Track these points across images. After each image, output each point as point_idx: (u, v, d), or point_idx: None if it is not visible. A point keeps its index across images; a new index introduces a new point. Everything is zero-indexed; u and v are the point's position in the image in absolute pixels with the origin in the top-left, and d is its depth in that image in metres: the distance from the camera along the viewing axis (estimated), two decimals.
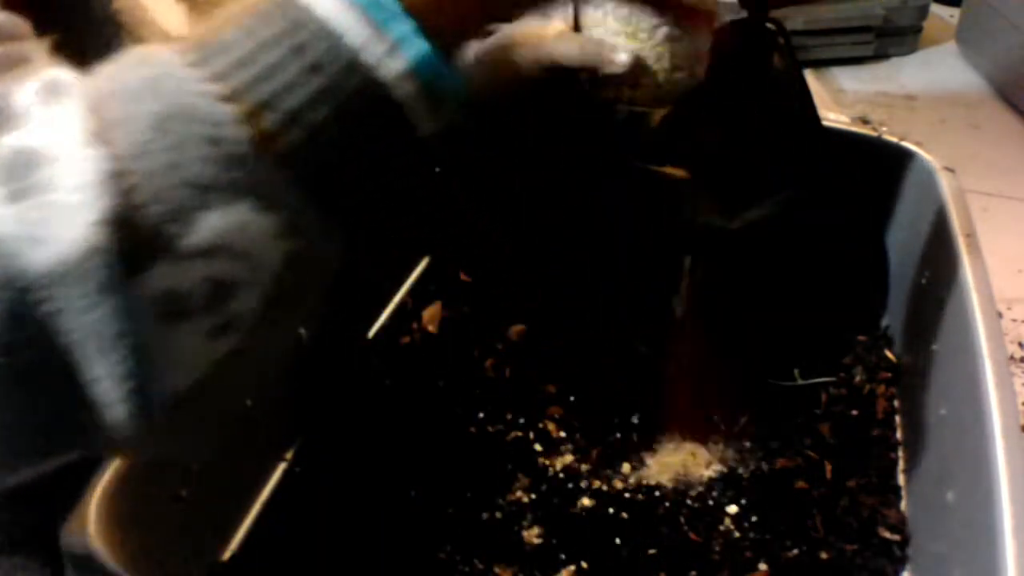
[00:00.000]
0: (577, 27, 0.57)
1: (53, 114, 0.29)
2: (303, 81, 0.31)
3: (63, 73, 0.31)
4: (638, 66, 0.56)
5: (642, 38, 0.56)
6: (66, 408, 0.29)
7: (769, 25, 0.67)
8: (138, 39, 0.43)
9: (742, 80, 0.68)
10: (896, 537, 0.55)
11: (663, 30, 0.56)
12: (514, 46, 0.57)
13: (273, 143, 0.30)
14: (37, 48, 0.32)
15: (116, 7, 0.42)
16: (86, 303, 0.27)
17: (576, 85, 0.58)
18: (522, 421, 0.63)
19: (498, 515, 0.57)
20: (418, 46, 0.32)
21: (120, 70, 0.31)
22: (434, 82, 0.33)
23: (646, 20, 0.55)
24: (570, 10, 0.58)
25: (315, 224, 0.31)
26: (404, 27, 0.32)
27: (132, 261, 0.28)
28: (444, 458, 0.60)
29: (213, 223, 0.29)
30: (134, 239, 0.28)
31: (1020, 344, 0.75)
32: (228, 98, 0.30)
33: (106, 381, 0.28)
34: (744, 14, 0.68)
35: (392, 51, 0.32)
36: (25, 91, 0.30)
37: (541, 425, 0.62)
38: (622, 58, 0.55)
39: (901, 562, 0.54)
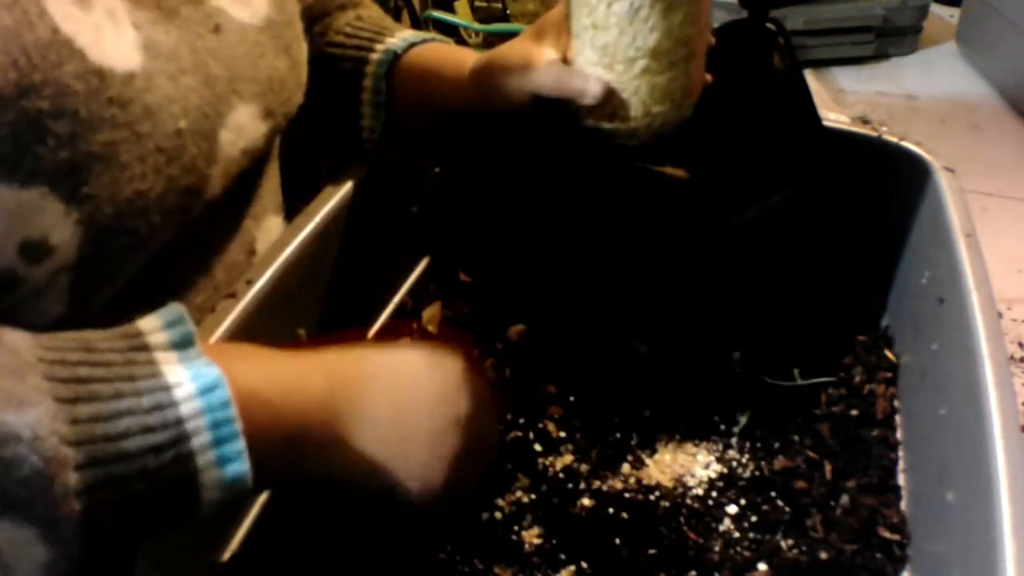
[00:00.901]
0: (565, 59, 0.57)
1: None
2: (141, 454, 0.35)
3: None
4: (611, 98, 0.56)
5: (618, 70, 0.55)
6: None
7: (769, 25, 0.67)
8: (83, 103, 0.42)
9: (742, 80, 0.68)
10: (896, 537, 0.55)
11: (640, 63, 0.55)
12: (503, 70, 0.58)
13: (89, 495, 0.34)
14: None
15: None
16: None
17: (562, 113, 0.58)
18: (522, 421, 0.63)
19: (498, 515, 0.57)
20: (243, 465, 0.38)
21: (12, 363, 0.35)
22: (238, 490, 0.39)
23: (623, 51, 0.54)
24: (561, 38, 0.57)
25: (75, 565, 0.35)
26: (239, 447, 0.38)
27: None
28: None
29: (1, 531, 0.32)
30: None
31: (1020, 344, 0.75)
32: (75, 443, 0.34)
33: None
34: (744, 14, 0.68)
35: (220, 464, 0.38)
36: None
37: (541, 425, 0.62)
38: (593, 89, 0.55)
39: (901, 562, 0.54)
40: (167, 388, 0.37)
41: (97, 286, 0.48)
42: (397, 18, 1.48)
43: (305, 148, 0.72)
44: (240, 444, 0.38)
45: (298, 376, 0.43)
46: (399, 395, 0.46)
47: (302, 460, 0.43)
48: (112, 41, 0.45)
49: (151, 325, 0.39)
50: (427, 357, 0.48)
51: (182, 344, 0.39)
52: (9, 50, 0.39)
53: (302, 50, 0.62)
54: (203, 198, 0.52)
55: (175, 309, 0.40)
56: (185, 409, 0.37)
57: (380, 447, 0.45)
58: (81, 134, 0.43)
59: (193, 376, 0.37)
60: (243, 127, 0.54)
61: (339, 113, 0.68)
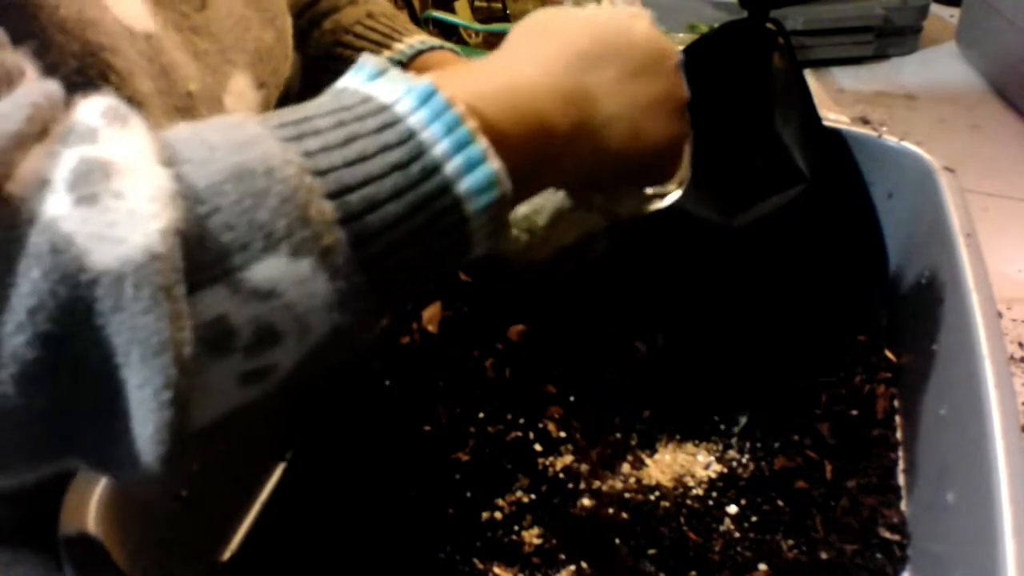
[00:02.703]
0: None
1: (123, 134, 0.30)
2: (385, 175, 0.33)
3: (109, 99, 0.32)
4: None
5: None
6: (90, 414, 0.29)
7: (769, 25, 0.67)
8: (90, 43, 0.43)
9: (742, 80, 0.68)
10: (896, 537, 0.55)
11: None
12: None
13: (347, 225, 0.32)
14: (22, 58, 0.32)
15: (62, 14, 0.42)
16: (141, 306, 0.27)
17: None
18: (522, 421, 0.63)
19: (498, 515, 0.57)
20: (491, 166, 0.35)
21: (203, 126, 0.32)
22: (499, 201, 0.36)
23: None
24: None
25: (366, 305, 0.33)
26: (478, 151, 0.35)
27: (191, 278, 0.29)
28: (444, 458, 0.60)
29: (276, 268, 0.30)
30: (197, 257, 0.29)
31: (1020, 344, 0.75)
32: (317, 174, 0.31)
33: (145, 388, 0.28)
34: (744, 14, 0.68)
35: (469, 168, 0.35)
36: (89, 110, 0.31)
37: (541, 425, 0.62)
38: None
39: (901, 562, 0.54)
40: (386, 107, 0.34)
41: None
42: None
43: None
44: (481, 144, 0.35)
45: (520, 83, 0.41)
46: (624, 74, 0.45)
47: (548, 157, 0.41)
48: (127, 3, 0.46)
49: (342, 79, 0.37)
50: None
51: (380, 72, 0.36)
52: None
53: (287, 22, 0.62)
54: None
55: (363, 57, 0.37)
56: (413, 121, 0.34)
57: (621, 141, 0.44)
58: (130, 77, 0.44)
59: (406, 91, 0.35)
60: (243, 93, 0.55)
61: None
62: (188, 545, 0.52)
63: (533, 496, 0.58)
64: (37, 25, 0.40)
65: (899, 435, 0.62)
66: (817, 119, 0.69)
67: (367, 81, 0.36)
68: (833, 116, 0.72)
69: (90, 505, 0.44)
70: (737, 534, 0.56)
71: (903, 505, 0.57)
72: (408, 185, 0.33)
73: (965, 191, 0.64)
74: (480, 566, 0.54)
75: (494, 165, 0.35)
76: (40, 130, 0.29)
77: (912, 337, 0.65)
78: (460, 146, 0.34)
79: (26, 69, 0.32)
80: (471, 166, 0.35)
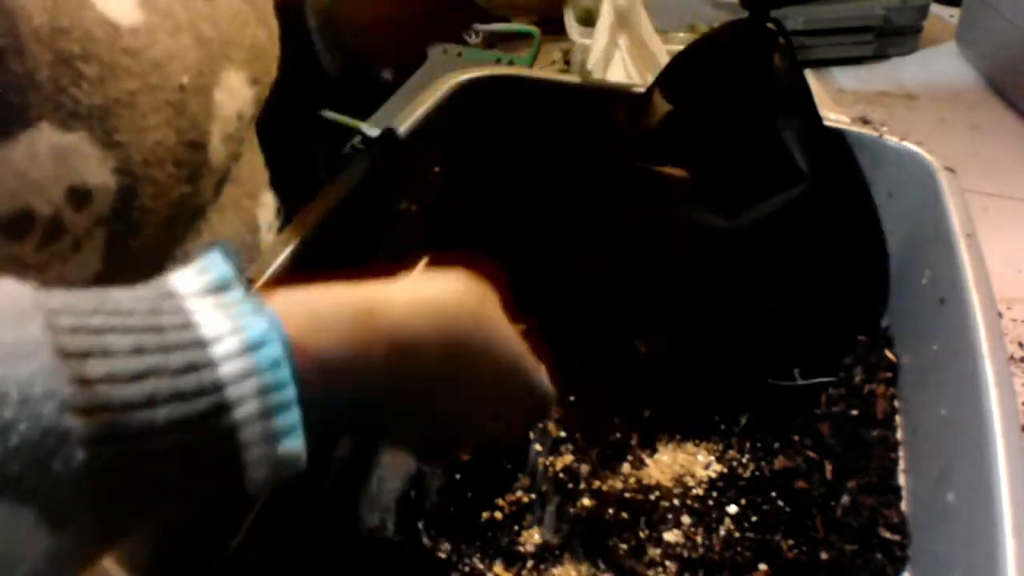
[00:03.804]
0: None
1: None
2: (167, 431, 0.28)
3: None
4: None
5: None
6: None
7: (769, 25, 0.67)
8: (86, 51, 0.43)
9: (742, 80, 0.68)
10: (896, 537, 0.55)
11: None
12: None
13: (100, 478, 0.27)
14: None
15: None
16: None
17: None
18: None
19: (498, 515, 0.57)
20: (295, 442, 0.31)
21: None
22: (289, 472, 0.32)
23: None
24: None
25: (96, 547, 0.29)
26: (292, 418, 0.31)
27: None
28: (443, 458, 0.60)
29: None
30: None
31: (1020, 344, 0.75)
32: (85, 411, 0.26)
33: None
34: (744, 14, 0.68)
35: (268, 439, 0.30)
36: None
37: (541, 425, 0.62)
38: None
39: (901, 562, 0.54)
40: (202, 343, 0.29)
41: (127, 240, 0.49)
42: None
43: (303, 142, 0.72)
44: (295, 415, 0.31)
45: (359, 340, 0.35)
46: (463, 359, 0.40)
47: (361, 422, 0.39)
48: None
49: (182, 272, 0.32)
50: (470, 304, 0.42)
51: (221, 288, 0.31)
52: None
53: (275, 24, 0.63)
54: (207, 155, 0.53)
55: (215, 248, 0.32)
56: (226, 370, 0.29)
57: (456, 410, 0.41)
58: (107, 79, 0.44)
59: (234, 329, 0.30)
60: (235, 90, 0.55)
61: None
62: (188, 544, 0.52)
63: (533, 496, 0.58)
64: (14, 33, 0.40)
65: (899, 435, 0.62)
66: (818, 119, 0.69)
67: (202, 294, 0.31)
68: (833, 116, 0.72)
69: None
70: (737, 534, 0.56)
71: (903, 505, 0.57)
72: (193, 447, 0.29)
73: (965, 191, 0.64)
74: (480, 566, 0.54)
75: (297, 441, 0.31)
76: None
77: (912, 337, 0.65)
78: (266, 412, 0.30)
79: None
80: (275, 436, 0.30)
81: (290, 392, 0.30)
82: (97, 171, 0.44)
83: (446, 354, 0.38)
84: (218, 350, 0.29)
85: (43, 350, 0.26)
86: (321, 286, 0.36)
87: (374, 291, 0.37)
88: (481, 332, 0.40)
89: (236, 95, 0.56)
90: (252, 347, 0.30)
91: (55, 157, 0.42)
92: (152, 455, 0.28)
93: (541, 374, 0.46)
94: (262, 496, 0.32)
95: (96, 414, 0.27)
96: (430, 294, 0.39)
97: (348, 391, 0.34)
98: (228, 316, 0.30)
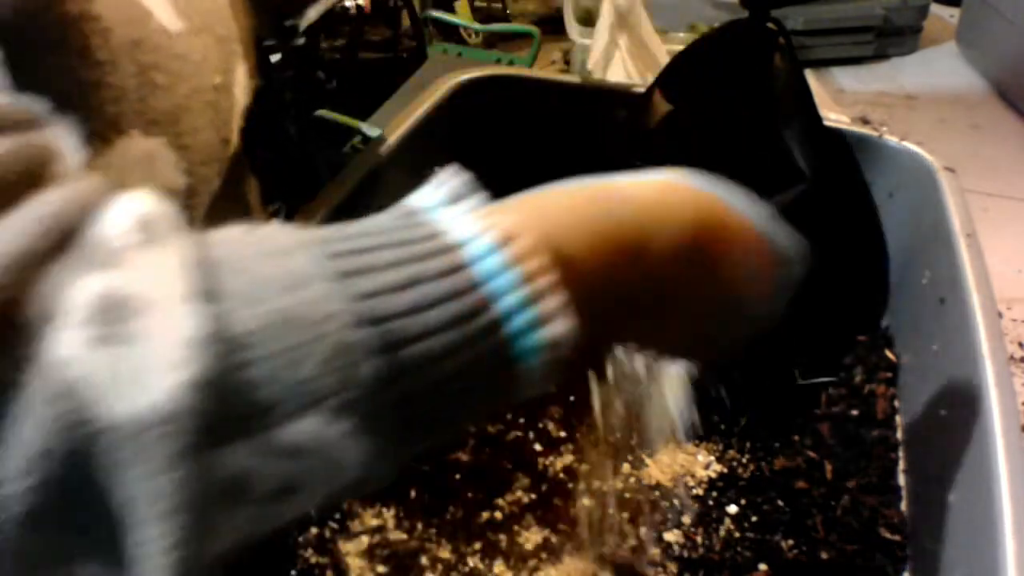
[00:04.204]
0: None
1: (154, 259, 0.27)
2: (441, 330, 0.30)
3: (154, 204, 0.29)
4: None
5: None
6: (93, 552, 0.27)
7: (769, 25, 0.67)
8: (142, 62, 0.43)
9: (742, 80, 0.68)
10: (896, 537, 0.55)
11: None
12: None
13: (395, 384, 0.29)
14: (59, 136, 0.30)
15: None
16: (154, 467, 0.25)
17: None
18: (522, 421, 0.63)
19: (498, 515, 0.57)
20: (564, 324, 0.32)
21: (251, 248, 0.29)
22: (556, 361, 0.32)
23: None
24: None
25: (401, 455, 0.31)
26: (560, 298, 0.32)
27: (217, 434, 0.26)
28: (444, 457, 0.60)
29: (312, 427, 0.28)
30: (225, 409, 0.26)
31: (1020, 344, 0.75)
32: (369, 322, 0.28)
33: (150, 547, 0.26)
34: (744, 14, 0.68)
35: (537, 325, 0.31)
36: (118, 222, 0.28)
37: (541, 425, 0.62)
38: None
39: (901, 562, 0.54)
40: (453, 248, 0.31)
41: None
42: (397, 18, 1.48)
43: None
44: (555, 301, 0.31)
45: (601, 234, 0.36)
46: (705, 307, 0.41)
47: (618, 317, 0.38)
48: (158, 2, 0.47)
49: (420, 191, 0.34)
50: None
51: (459, 197, 0.33)
52: (120, 6, 0.41)
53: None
54: (231, 150, 0.54)
55: (445, 172, 0.34)
56: (481, 269, 0.30)
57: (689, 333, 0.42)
58: (172, 86, 0.45)
59: (482, 229, 0.31)
60: (243, 84, 0.56)
61: None
62: None
63: (533, 496, 0.58)
64: (107, 48, 0.41)
65: (899, 435, 0.62)
66: (818, 119, 0.69)
67: (440, 207, 0.33)
68: (833, 116, 0.72)
69: None
70: (737, 534, 0.56)
71: (903, 505, 0.57)
72: (463, 342, 0.30)
73: (965, 191, 0.64)
74: (480, 566, 0.54)
75: (558, 328, 0.31)
76: (58, 243, 0.27)
77: (912, 337, 0.65)
78: (532, 299, 0.31)
79: (63, 153, 0.30)
80: (541, 322, 0.31)
81: (546, 280, 0.31)
82: (172, 173, 0.45)
83: (691, 240, 0.39)
84: (470, 251, 0.31)
85: (317, 277, 0.28)
86: (554, 186, 0.37)
87: (610, 188, 0.39)
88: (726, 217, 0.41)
89: (243, 89, 0.56)
90: (502, 244, 0.31)
91: (144, 162, 0.43)
92: (431, 358, 0.29)
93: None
94: (539, 392, 0.33)
95: (377, 325, 0.28)
96: (666, 186, 0.40)
97: (599, 286, 0.35)
98: (473, 220, 0.32)
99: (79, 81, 0.37)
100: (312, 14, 0.69)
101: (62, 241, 0.27)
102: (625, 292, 0.37)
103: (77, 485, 0.25)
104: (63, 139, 0.30)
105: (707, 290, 0.40)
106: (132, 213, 0.28)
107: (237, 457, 0.27)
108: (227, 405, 0.26)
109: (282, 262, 0.29)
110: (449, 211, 0.33)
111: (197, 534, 0.26)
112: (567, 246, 0.34)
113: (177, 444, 0.25)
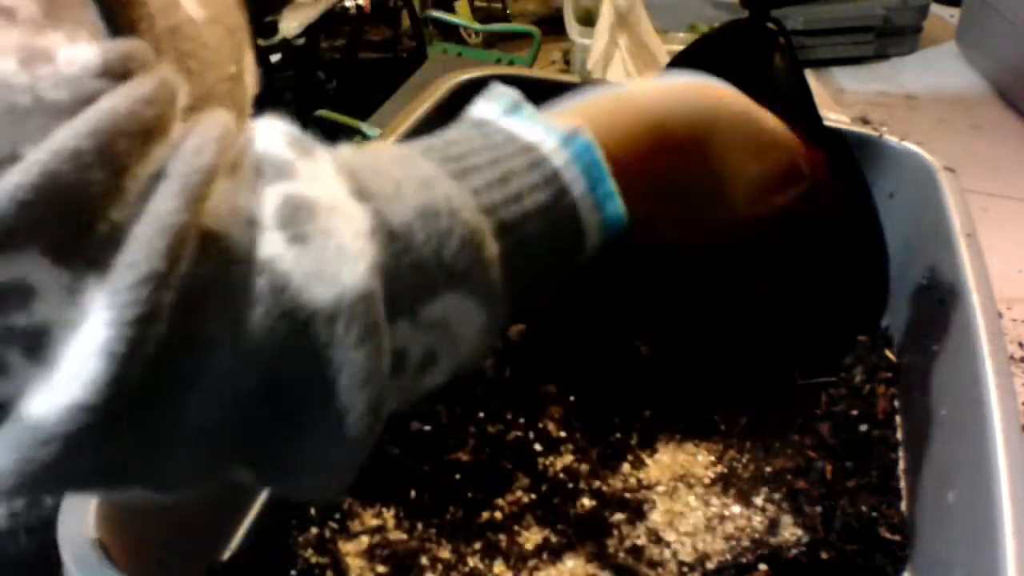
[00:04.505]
0: None
1: (315, 168, 0.31)
2: (535, 214, 0.35)
3: (281, 125, 0.33)
4: None
5: None
6: (286, 433, 0.30)
7: (769, 25, 0.67)
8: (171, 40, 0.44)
9: (742, 80, 0.68)
10: (896, 537, 0.55)
11: None
12: None
13: (506, 262, 0.34)
14: (172, 74, 0.33)
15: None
16: (356, 340, 0.29)
17: None
18: (522, 421, 0.63)
19: (498, 515, 0.57)
20: (616, 207, 0.38)
21: (375, 159, 0.34)
22: (614, 234, 0.38)
23: None
24: None
25: (502, 327, 0.36)
26: (609, 187, 0.37)
27: (391, 311, 0.31)
28: (444, 458, 0.60)
29: (447, 304, 0.33)
30: (393, 292, 0.31)
31: (1020, 344, 0.75)
32: (486, 211, 0.34)
33: (359, 410, 0.30)
34: (744, 14, 0.68)
35: (598, 207, 0.37)
36: (273, 140, 0.32)
37: (541, 425, 0.62)
38: None
39: (901, 562, 0.54)
40: (532, 147, 0.36)
41: None
42: (397, 18, 1.48)
43: None
44: (612, 184, 0.38)
45: (629, 133, 0.42)
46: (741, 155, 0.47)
47: (661, 197, 0.43)
48: None
49: (476, 106, 0.39)
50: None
51: (515, 108, 0.38)
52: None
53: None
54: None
55: (495, 87, 0.40)
56: (557, 161, 0.36)
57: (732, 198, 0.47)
58: (202, 72, 0.46)
59: (546, 130, 0.37)
60: (251, 73, 0.56)
61: None
62: (188, 545, 0.52)
63: (533, 496, 0.58)
64: (152, 35, 0.41)
65: (899, 435, 0.62)
66: (818, 119, 0.69)
67: (504, 116, 0.38)
68: (833, 116, 0.73)
69: (90, 505, 0.44)
70: (737, 534, 0.56)
71: (903, 505, 0.57)
72: (552, 224, 0.36)
73: (965, 191, 0.64)
74: (480, 566, 0.54)
75: (616, 208, 0.38)
76: (231, 162, 0.30)
77: (912, 337, 0.65)
78: (593, 185, 0.37)
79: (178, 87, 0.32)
80: (600, 205, 0.37)
81: (603, 168, 0.37)
82: None
83: (703, 122, 0.45)
84: (545, 148, 0.36)
85: (441, 177, 0.34)
86: (589, 95, 0.43)
87: (636, 92, 0.45)
88: (735, 102, 0.48)
89: (252, 78, 0.57)
90: (566, 142, 0.37)
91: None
92: (530, 238, 0.35)
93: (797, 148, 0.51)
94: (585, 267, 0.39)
95: (492, 213, 0.34)
96: (676, 84, 0.47)
97: (635, 176, 0.40)
98: (536, 124, 0.37)
99: None
100: (301, 17, 0.69)
101: (233, 159, 0.30)
102: (655, 180, 0.42)
103: (284, 370, 0.29)
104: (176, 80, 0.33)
105: (721, 168, 0.46)
106: (281, 133, 0.33)
107: (400, 330, 0.31)
108: (395, 285, 0.31)
109: (408, 167, 0.34)
110: (513, 118, 0.38)
111: (382, 402, 0.31)
112: (611, 142, 0.39)
113: (367, 322, 0.29)
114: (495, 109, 0.38)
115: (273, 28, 0.67)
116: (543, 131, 0.37)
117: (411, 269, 0.31)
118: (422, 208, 0.32)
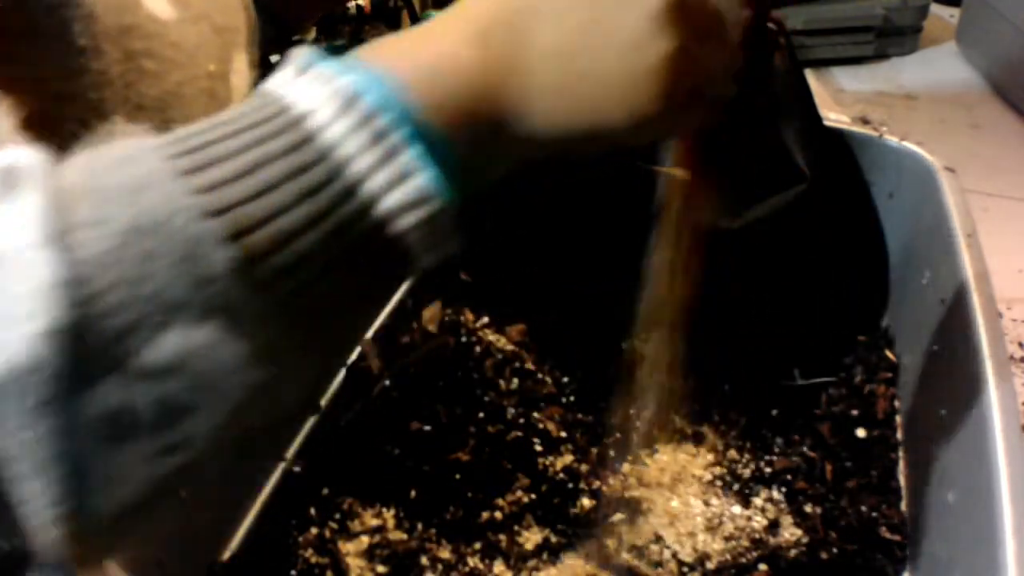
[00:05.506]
0: None
1: (7, 208, 0.26)
2: (294, 204, 0.29)
3: (25, 155, 0.28)
4: None
5: None
6: None
7: (769, 25, 0.67)
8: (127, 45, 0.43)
9: (742, 80, 0.68)
10: (896, 537, 0.55)
11: None
12: None
13: (255, 266, 0.28)
14: None
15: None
16: (22, 420, 0.25)
17: None
18: (522, 421, 0.63)
19: (498, 515, 0.57)
20: (427, 176, 0.30)
21: (99, 164, 0.29)
22: (439, 213, 0.31)
23: None
24: None
25: (290, 353, 0.30)
26: (416, 151, 0.30)
27: (80, 376, 0.26)
28: (444, 458, 0.60)
29: (174, 343, 0.27)
30: (85, 353, 0.26)
31: (1020, 344, 0.75)
32: (214, 213, 0.28)
33: (38, 502, 0.25)
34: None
35: (398, 181, 0.30)
36: None
37: (541, 425, 0.62)
38: None
39: (901, 562, 0.54)
40: (300, 120, 0.30)
41: None
42: (397, 18, 1.48)
43: None
44: (413, 151, 0.30)
45: (443, 55, 0.33)
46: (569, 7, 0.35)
47: (486, 141, 0.34)
48: None
49: (273, 76, 0.32)
50: None
51: (306, 67, 0.31)
52: None
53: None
54: None
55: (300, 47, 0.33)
56: (331, 135, 0.29)
57: (567, 83, 0.34)
58: (162, 73, 0.45)
59: (328, 95, 0.30)
60: (243, 73, 0.56)
61: None
62: (188, 545, 0.52)
63: (533, 496, 0.58)
64: (89, 35, 0.41)
65: (899, 435, 0.62)
66: (817, 119, 0.69)
67: (294, 78, 0.31)
68: (833, 116, 0.72)
69: None
70: (737, 534, 0.56)
71: (903, 505, 0.57)
72: (321, 212, 0.29)
73: (965, 191, 0.64)
74: (480, 566, 0.54)
75: (428, 175, 0.30)
76: None
77: (912, 337, 0.65)
78: (387, 157, 0.30)
79: None
80: (401, 178, 0.30)
81: (403, 131, 0.30)
82: None
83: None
84: (317, 119, 0.30)
85: (161, 178, 0.28)
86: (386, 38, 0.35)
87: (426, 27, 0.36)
88: None
89: (243, 78, 0.56)
90: (348, 104, 0.30)
91: None
92: (287, 235, 0.28)
93: None
94: (432, 262, 0.32)
95: (224, 213, 0.28)
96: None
97: (480, 109, 0.33)
98: (321, 86, 0.30)
99: (58, 67, 0.38)
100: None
101: None
102: (519, 92, 0.34)
103: None
104: None
105: (569, 39, 0.35)
106: None
107: (109, 392, 0.26)
108: (88, 342, 0.26)
109: (127, 170, 0.28)
110: (300, 80, 0.31)
111: (86, 482, 0.26)
112: (435, 77, 0.32)
113: (40, 395, 0.25)
114: (288, 73, 0.32)
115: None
116: (325, 95, 0.30)
117: (115, 313, 0.26)
118: (127, 228, 0.26)
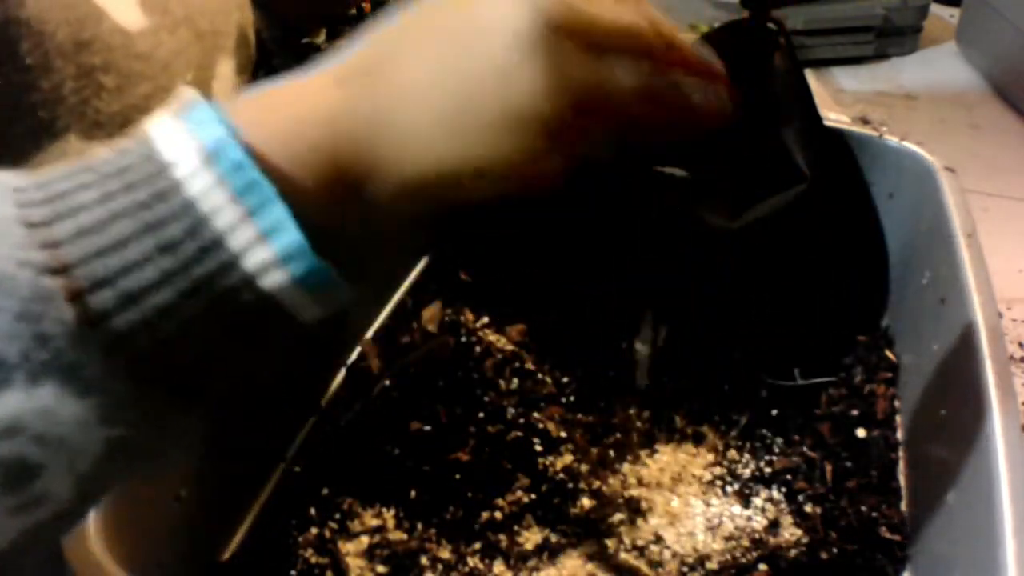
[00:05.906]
0: None
1: None
2: (147, 260, 0.28)
3: None
4: None
5: None
6: None
7: (769, 25, 0.67)
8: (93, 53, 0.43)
9: (742, 80, 0.68)
10: (896, 537, 0.55)
11: None
12: None
13: (102, 325, 0.27)
14: None
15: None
16: None
17: None
18: (522, 421, 0.63)
19: (498, 515, 0.57)
20: (290, 236, 0.29)
21: None
22: (314, 271, 0.29)
23: None
24: None
25: (145, 412, 0.28)
26: (277, 214, 0.29)
27: None
28: (444, 457, 0.60)
29: (13, 403, 0.26)
30: None
31: (1020, 344, 0.75)
32: (57, 271, 0.26)
33: None
34: (744, 14, 0.68)
35: (262, 238, 0.28)
36: None
37: (541, 425, 0.62)
38: None
39: (901, 562, 0.54)
40: (162, 171, 0.28)
41: None
42: None
43: None
44: (277, 209, 0.29)
45: (304, 108, 0.32)
46: (440, 50, 0.33)
47: (352, 193, 0.32)
48: (121, 2, 0.46)
49: (154, 116, 0.30)
50: None
51: (182, 110, 0.30)
52: (62, 8, 0.40)
53: (250, 7, 0.63)
54: None
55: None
56: (195, 187, 0.28)
57: (434, 119, 0.32)
58: (124, 87, 0.44)
59: (192, 145, 0.29)
60: (227, 78, 0.55)
61: None
62: (188, 545, 0.52)
63: (533, 496, 0.58)
64: (40, 52, 0.40)
65: (899, 435, 0.62)
66: (818, 119, 0.69)
67: (172, 118, 0.30)
68: (833, 116, 0.72)
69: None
70: (737, 534, 0.56)
71: (903, 505, 0.57)
72: (178, 268, 0.28)
73: (965, 191, 0.64)
74: (480, 566, 0.54)
75: (287, 238, 0.29)
76: None
77: (912, 337, 0.65)
78: (250, 213, 0.28)
79: None
80: (265, 235, 0.28)
81: (266, 190, 0.29)
82: None
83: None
84: (181, 171, 0.28)
85: (10, 228, 0.27)
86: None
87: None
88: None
89: (227, 84, 0.56)
90: (212, 157, 0.28)
91: None
92: (138, 292, 0.27)
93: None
94: (318, 316, 0.31)
95: (72, 270, 0.27)
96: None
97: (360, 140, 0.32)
98: (183, 135, 0.29)
99: (3, 84, 0.37)
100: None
101: None
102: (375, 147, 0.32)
103: None
104: None
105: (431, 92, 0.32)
106: None
107: None
108: None
109: None
110: (176, 122, 0.29)
111: None
112: (289, 136, 0.31)
113: None
114: (166, 117, 0.30)
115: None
116: (189, 146, 0.29)
117: None
118: None
